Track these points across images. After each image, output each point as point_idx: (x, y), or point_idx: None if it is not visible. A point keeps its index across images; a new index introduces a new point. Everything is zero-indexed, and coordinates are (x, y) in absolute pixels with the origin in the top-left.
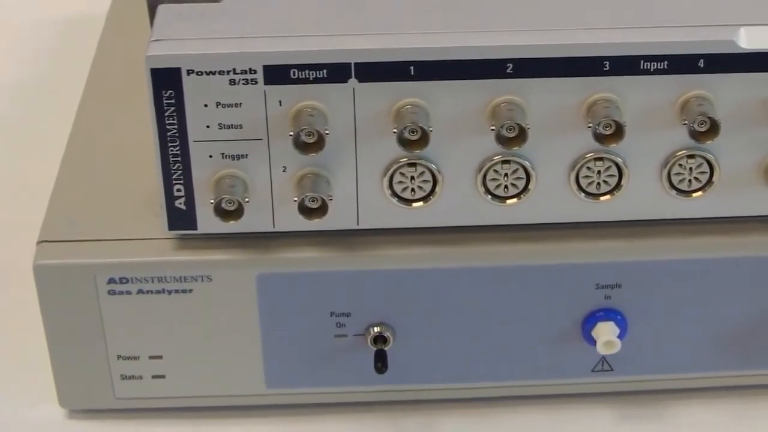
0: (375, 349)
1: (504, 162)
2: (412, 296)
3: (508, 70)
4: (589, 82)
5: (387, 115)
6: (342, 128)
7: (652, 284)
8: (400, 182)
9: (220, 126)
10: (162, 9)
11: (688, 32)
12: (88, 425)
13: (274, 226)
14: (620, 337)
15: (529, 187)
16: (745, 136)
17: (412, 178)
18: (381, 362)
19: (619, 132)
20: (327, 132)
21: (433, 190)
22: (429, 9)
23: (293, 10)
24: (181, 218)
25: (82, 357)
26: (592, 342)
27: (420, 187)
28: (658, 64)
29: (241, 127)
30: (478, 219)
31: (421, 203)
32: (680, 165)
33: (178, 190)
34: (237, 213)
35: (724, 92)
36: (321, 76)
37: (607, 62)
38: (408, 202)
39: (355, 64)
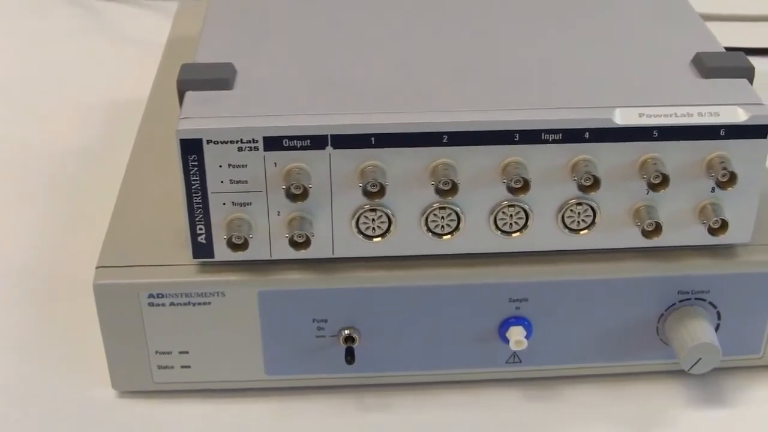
0: (345, 346)
1: (441, 208)
2: (373, 307)
3: (444, 140)
4: (504, 149)
5: (354, 173)
6: (321, 183)
7: (551, 298)
8: (364, 223)
9: (231, 181)
10: (189, 95)
11: (577, 112)
12: (134, 402)
13: (271, 256)
14: (527, 337)
15: (460, 226)
16: (619, 189)
17: (373, 219)
18: (350, 356)
19: (526, 186)
20: (310, 186)
21: (389, 229)
22: (386, 93)
23: (285, 95)
24: (202, 249)
25: (129, 351)
26: (506, 341)
27: (379, 227)
28: (555, 135)
29: (246, 182)
30: (422, 250)
31: (380, 238)
32: (571, 210)
33: (200, 229)
34: (244, 246)
35: (604, 156)
36: (306, 144)
37: (517, 134)
38: (370, 237)
39: (331, 135)
